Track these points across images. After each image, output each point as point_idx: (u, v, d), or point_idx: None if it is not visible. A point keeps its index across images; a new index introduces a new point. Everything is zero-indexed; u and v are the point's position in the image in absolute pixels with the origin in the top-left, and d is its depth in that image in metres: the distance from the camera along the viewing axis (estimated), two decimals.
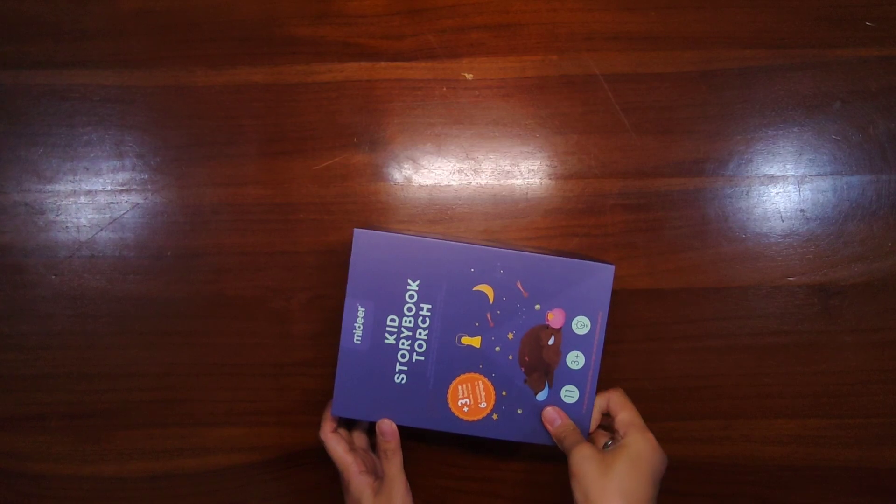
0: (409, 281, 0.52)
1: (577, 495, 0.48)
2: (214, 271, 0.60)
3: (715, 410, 0.61)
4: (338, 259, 0.60)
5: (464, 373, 0.53)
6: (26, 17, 0.60)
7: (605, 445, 0.51)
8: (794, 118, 0.59)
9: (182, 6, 0.60)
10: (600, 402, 0.54)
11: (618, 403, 0.52)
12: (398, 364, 0.53)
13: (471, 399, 0.53)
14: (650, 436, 0.50)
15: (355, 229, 0.51)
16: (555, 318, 0.52)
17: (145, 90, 0.60)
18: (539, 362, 0.53)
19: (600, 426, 0.55)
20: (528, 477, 0.62)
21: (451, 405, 0.54)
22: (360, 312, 0.52)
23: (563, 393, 0.53)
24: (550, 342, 0.53)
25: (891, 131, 0.59)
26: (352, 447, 0.56)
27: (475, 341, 0.53)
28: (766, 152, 0.59)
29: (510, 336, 0.53)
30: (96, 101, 0.60)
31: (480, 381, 0.53)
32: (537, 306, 0.52)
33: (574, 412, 0.53)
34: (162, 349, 0.61)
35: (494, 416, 0.54)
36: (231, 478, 0.62)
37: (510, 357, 0.53)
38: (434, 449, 0.61)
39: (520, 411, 0.53)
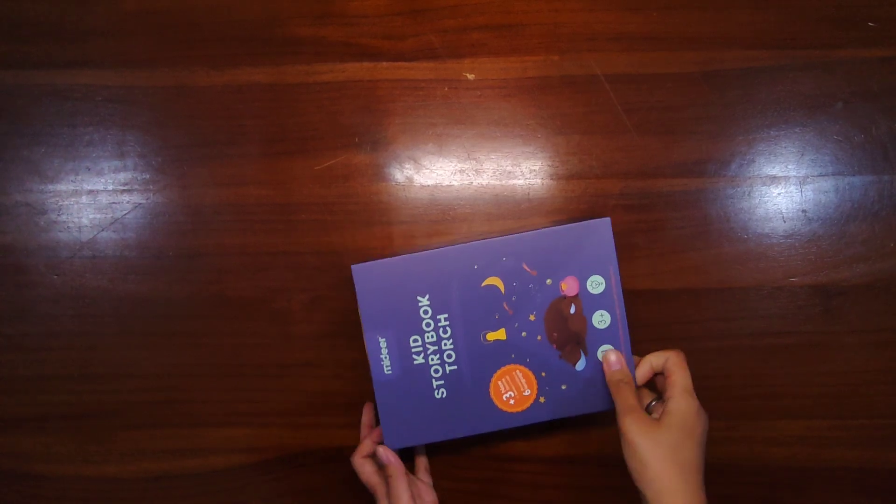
0: (419, 297, 0.52)
1: (634, 463, 0.48)
2: (216, 271, 0.60)
3: (717, 411, 0.61)
4: (339, 260, 0.60)
5: (499, 368, 0.53)
6: (28, 17, 0.60)
7: (649, 406, 0.52)
8: (796, 119, 0.59)
9: (184, 6, 0.60)
10: (656, 360, 0.53)
11: (675, 365, 0.52)
12: (434, 380, 0.53)
13: (514, 390, 0.54)
14: (694, 399, 0.50)
15: (352, 266, 0.52)
16: (569, 286, 0.52)
17: (147, 90, 0.60)
18: (568, 334, 0.53)
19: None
20: (530, 478, 0.62)
21: (496, 403, 0.54)
22: (382, 343, 0.53)
23: (600, 355, 0.53)
24: (572, 311, 0.53)
25: (893, 132, 0.59)
26: (378, 468, 0.56)
27: (500, 334, 0.53)
28: (767, 153, 0.59)
29: (532, 318, 0.53)
30: (98, 101, 0.60)
31: (518, 371, 0.53)
32: (548, 281, 0.52)
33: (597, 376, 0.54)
34: (163, 349, 0.61)
35: (542, 400, 0.54)
36: (232, 478, 0.62)
37: (539, 338, 0.53)
38: (436, 450, 0.61)
39: (564, 387, 0.53)
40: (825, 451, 0.61)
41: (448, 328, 0.53)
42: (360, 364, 0.60)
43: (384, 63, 0.60)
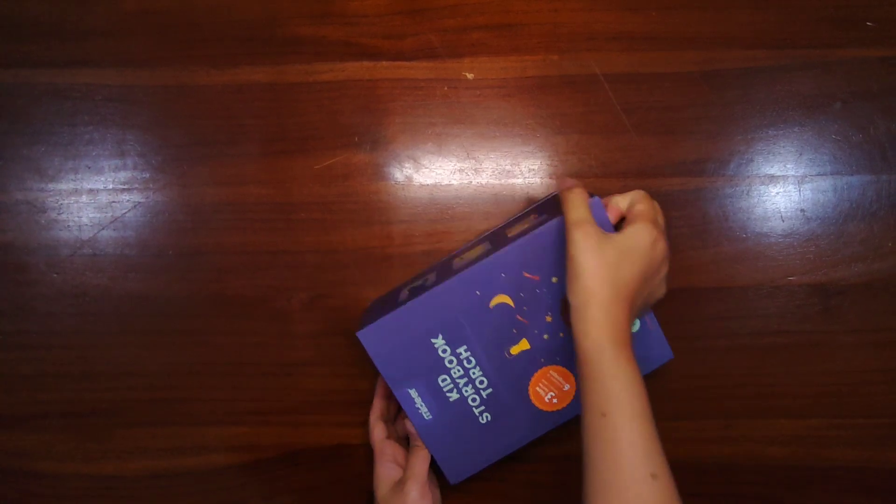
0: (433, 340, 0.51)
1: (569, 273, 0.45)
2: (216, 270, 0.60)
3: (715, 410, 0.61)
4: (339, 259, 0.60)
5: (532, 375, 0.53)
6: (28, 17, 0.60)
7: None
8: (795, 118, 0.59)
9: (184, 6, 0.60)
10: (622, 200, 0.50)
11: (642, 198, 0.49)
12: (474, 408, 0.53)
13: (554, 390, 0.53)
14: (655, 229, 0.47)
15: (358, 333, 0.51)
16: None
17: (147, 89, 0.60)
18: None
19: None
20: (531, 477, 0.62)
21: (541, 407, 0.54)
22: (413, 394, 0.52)
23: None
24: None
25: (891, 131, 0.59)
26: (390, 435, 0.56)
27: (523, 345, 0.52)
28: (766, 152, 0.59)
29: (549, 319, 0.52)
30: (98, 101, 0.60)
31: (551, 371, 0.53)
32: (554, 279, 0.51)
33: (642, 337, 0.53)
34: (163, 348, 0.61)
35: None
36: (231, 477, 0.62)
37: (561, 335, 0.52)
38: None
39: None
40: (824, 451, 0.61)
41: (471, 358, 0.52)
42: (360, 363, 0.60)
43: (384, 62, 0.60)
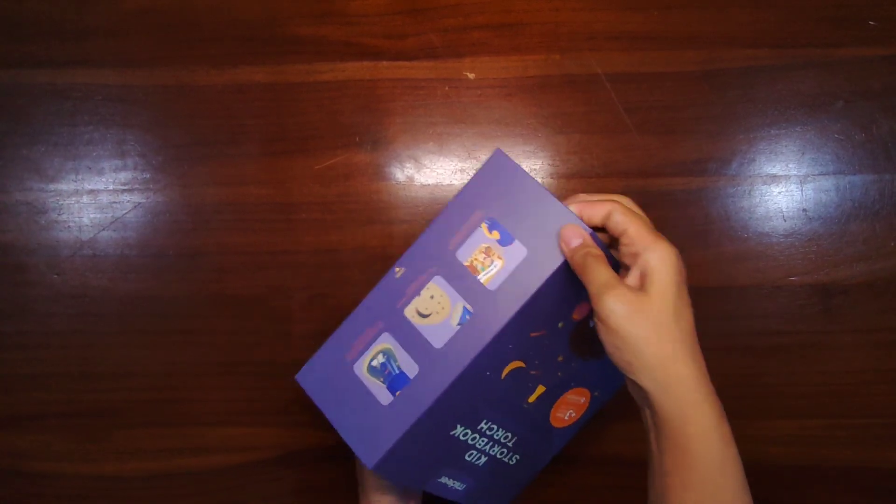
0: (451, 433, 0.46)
1: (626, 356, 0.38)
2: (216, 270, 0.60)
3: None
4: (339, 258, 0.60)
5: (551, 408, 0.51)
6: (28, 17, 0.60)
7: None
8: (797, 118, 0.59)
9: (184, 5, 0.60)
10: (594, 213, 0.41)
11: (626, 215, 0.39)
12: (504, 459, 0.51)
13: (573, 409, 0.52)
14: (666, 241, 0.38)
15: (371, 467, 0.43)
16: (581, 312, 0.46)
17: (147, 89, 0.60)
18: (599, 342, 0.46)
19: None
20: None
21: (560, 426, 0.52)
22: (444, 479, 0.48)
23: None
24: (592, 325, 0.44)
25: (894, 131, 0.59)
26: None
27: (539, 390, 0.49)
28: (768, 152, 0.59)
29: (560, 359, 0.48)
30: (98, 101, 0.60)
31: (568, 396, 0.51)
32: (560, 324, 0.46)
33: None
34: (163, 348, 0.61)
35: (596, 394, 0.52)
36: (231, 477, 0.62)
37: (573, 365, 0.48)
38: None
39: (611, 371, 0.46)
40: (824, 451, 0.61)
41: (493, 425, 0.48)
42: None
43: (384, 62, 0.60)
